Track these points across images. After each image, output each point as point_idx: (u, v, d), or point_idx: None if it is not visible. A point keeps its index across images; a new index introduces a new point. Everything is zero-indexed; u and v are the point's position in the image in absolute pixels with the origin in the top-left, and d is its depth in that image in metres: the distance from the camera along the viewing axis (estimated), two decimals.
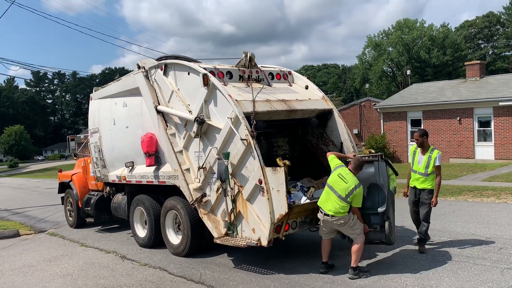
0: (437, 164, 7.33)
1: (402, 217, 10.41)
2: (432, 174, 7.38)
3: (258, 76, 8.28)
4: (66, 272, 7.69)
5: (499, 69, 58.64)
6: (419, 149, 7.62)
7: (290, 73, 8.94)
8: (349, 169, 6.45)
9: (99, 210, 10.98)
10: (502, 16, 65.93)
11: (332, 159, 6.72)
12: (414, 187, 7.61)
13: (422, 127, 24.56)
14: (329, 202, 6.37)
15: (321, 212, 6.48)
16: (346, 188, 6.27)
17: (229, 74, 7.88)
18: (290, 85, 8.68)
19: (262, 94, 7.63)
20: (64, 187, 12.76)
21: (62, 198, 12.83)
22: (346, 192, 6.26)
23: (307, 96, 8.27)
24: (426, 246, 7.57)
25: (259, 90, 7.77)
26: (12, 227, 12.24)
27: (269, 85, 8.28)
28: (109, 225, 11.87)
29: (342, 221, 6.33)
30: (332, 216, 6.32)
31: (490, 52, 67.03)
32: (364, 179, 6.59)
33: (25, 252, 9.55)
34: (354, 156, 7.02)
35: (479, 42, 69.03)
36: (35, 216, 14.76)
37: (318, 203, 6.57)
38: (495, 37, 67.52)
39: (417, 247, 7.56)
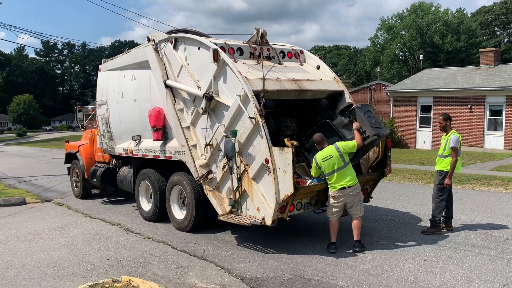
0: (451, 145, 7.50)
1: (409, 203, 10.38)
2: (448, 156, 7.57)
3: (269, 54, 8.13)
4: (71, 242, 7.75)
5: None
6: (444, 134, 7.82)
7: (301, 52, 8.78)
8: (319, 150, 6.77)
9: (105, 182, 11.03)
10: None
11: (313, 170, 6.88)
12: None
13: (431, 114, 24.31)
14: (341, 179, 6.61)
15: (337, 190, 6.64)
16: (337, 159, 6.57)
17: (240, 50, 7.75)
18: (301, 65, 8.53)
19: (272, 72, 7.51)
20: (70, 157, 12.81)
21: (69, 168, 12.90)
22: (339, 160, 6.58)
23: (318, 76, 8.13)
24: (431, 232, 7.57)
25: (270, 68, 7.64)
26: (19, 195, 12.36)
27: (280, 64, 8.14)
28: (114, 197, 11.93)
29: (357, 191, 6.74)
30: (349, 187, 6.62)
31: (506, 40, 65.72)
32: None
33: (31, 220, 9.64)
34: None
35: (495, 29, 67.60)
36: (41, 185, 14.88)
37: (334, 186, 6.66)
38: (511, 25, 66.09)
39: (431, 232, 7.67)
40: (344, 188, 6.63)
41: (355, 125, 6.95)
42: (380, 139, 7.32)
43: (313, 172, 6.85)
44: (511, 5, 64.31)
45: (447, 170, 7.52)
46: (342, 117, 7.30)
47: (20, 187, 14.40)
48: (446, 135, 7.73)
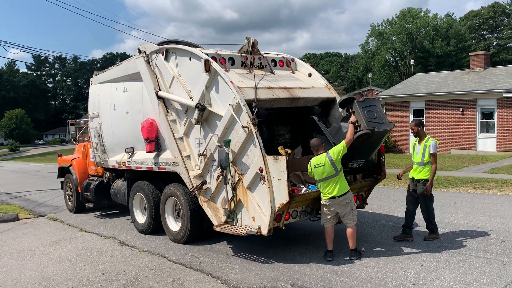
0: (431, 151, 7.31)
1: (404, 208, 10.36)
2: (428, 163, 7.35)
3: (261, 62, 8.15)
4: (65, 257, 7.65)
5: (503, 60, 58.27)
6: (417, 139, 7.61)
7: (293, 60, 8.81)
8: (316, 155, 6.71)
9: (99, 195, 10.94)
10: (508, 7, 65.32)
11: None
12: (412, 178, 7.60)
13: (424, 118, 24.43)
14: (331, 188, 6.55)
15: (327, 199, 6.58)
16: (329, 167, 6.48)
17: (231, 60, 7.76)
18: (293, 73, 8.55)
19: (264, 81, 7.52)
20: (63, 171, 12.71)
21: (62, 182, 12.80)
22: (331, 169, 6.49)
23: (310, 84, 8.15)
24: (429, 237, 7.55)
25: (262, 77, 7.65)
26: (11, 211, 12.23)
27: (272, 72, 8.15)
28: (109, 211, 11.84)
29: (348, 200, 6.64)
30: (338, 196, 6.54)
31: (494, 43, 66.52)
32: None
33: (24, 236, 9.52)
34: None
35: (484, 32, 68.48)
36: (34, 200, 14.74)
37: (324, 195, 6.61)
38: (499, 28, 66.96)
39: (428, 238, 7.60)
40: (333, 197, 6.56)
41: (351, 118, 6.65)
42: (377, 135, 6.63)
43: (309, 174, 6.85)
44: (499, 9, 65.22)
45: (428, 178, 7.31)
46: (342, 110, 7.05)
47: (13, 203, 14.24)
48: (421, 141, 7.46)
